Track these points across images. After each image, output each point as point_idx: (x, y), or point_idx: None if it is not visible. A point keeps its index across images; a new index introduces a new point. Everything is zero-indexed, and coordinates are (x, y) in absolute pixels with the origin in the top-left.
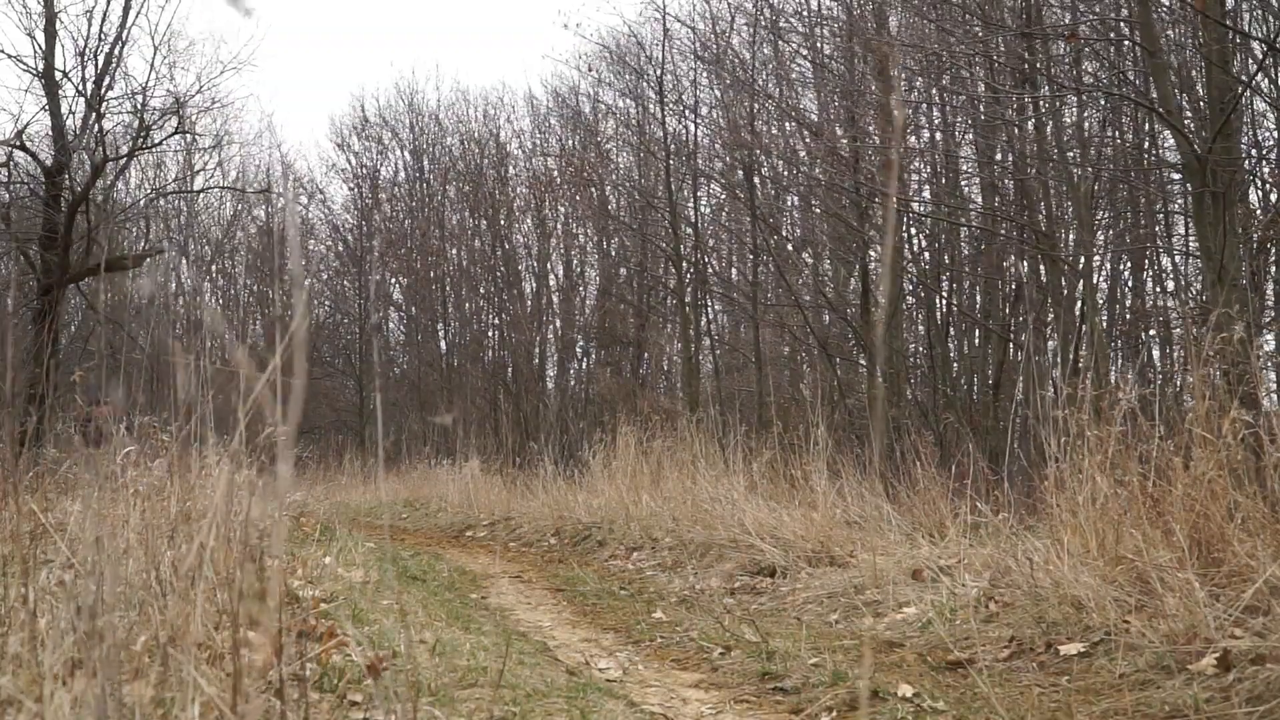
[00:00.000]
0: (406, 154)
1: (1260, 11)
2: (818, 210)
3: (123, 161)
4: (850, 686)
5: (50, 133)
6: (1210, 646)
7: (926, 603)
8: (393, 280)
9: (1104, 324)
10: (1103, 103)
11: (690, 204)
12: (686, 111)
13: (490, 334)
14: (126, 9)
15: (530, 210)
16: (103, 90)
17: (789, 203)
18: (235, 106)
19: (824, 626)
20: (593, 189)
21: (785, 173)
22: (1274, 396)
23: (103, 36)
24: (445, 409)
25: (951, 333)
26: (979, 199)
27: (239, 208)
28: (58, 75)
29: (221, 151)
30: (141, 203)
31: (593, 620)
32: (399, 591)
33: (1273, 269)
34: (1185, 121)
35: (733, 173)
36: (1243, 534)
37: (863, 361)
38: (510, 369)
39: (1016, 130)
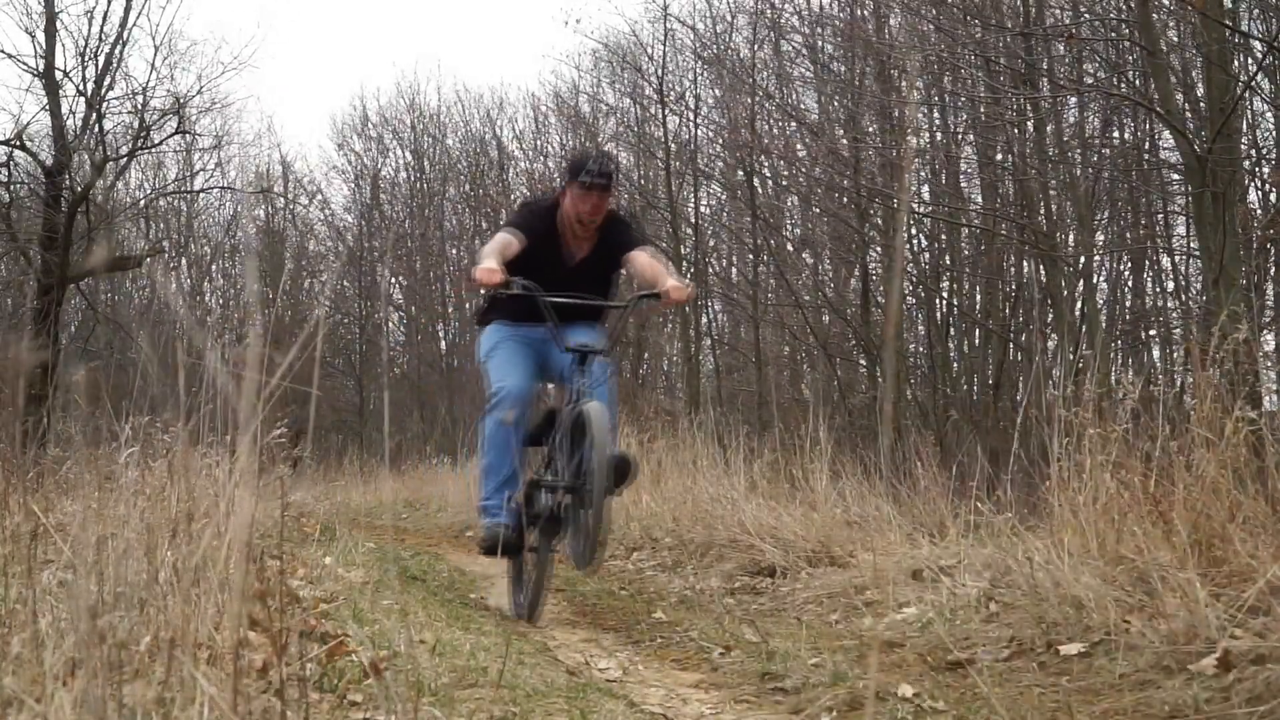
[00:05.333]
0: (407, 154)
1: (1260, 11)
2: (818, 210)
3: (123, 161)
4: (850, 687)
5: (50, 133)
6: (1211, 647)
7: (926, 603)
8: (393, 280)
9: (1104, 324)
10: (1103, 103)
11: (690, 204)
12: (687, 111)
13: None
14: (127, 9)
15: None
16: (103, 90)
17: (789, 203)
18: (236, 107)
19: (824, 626)
20: None
21: (785, 172)
22: (1274, 397)
23: (103, 36)
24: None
25: (951, 333)
26: (979, 199)
27: (239, 208)
28: (58, 75)
29: (221, 152)
30: (141, 203)
31: (593, 620)
32: (399, 592)
33: (1273, 269)
34: (1185, 121)
35: (733, 173)
36: (1244, 534)
37: (863, 361)
38: None
39: (1016, 131)
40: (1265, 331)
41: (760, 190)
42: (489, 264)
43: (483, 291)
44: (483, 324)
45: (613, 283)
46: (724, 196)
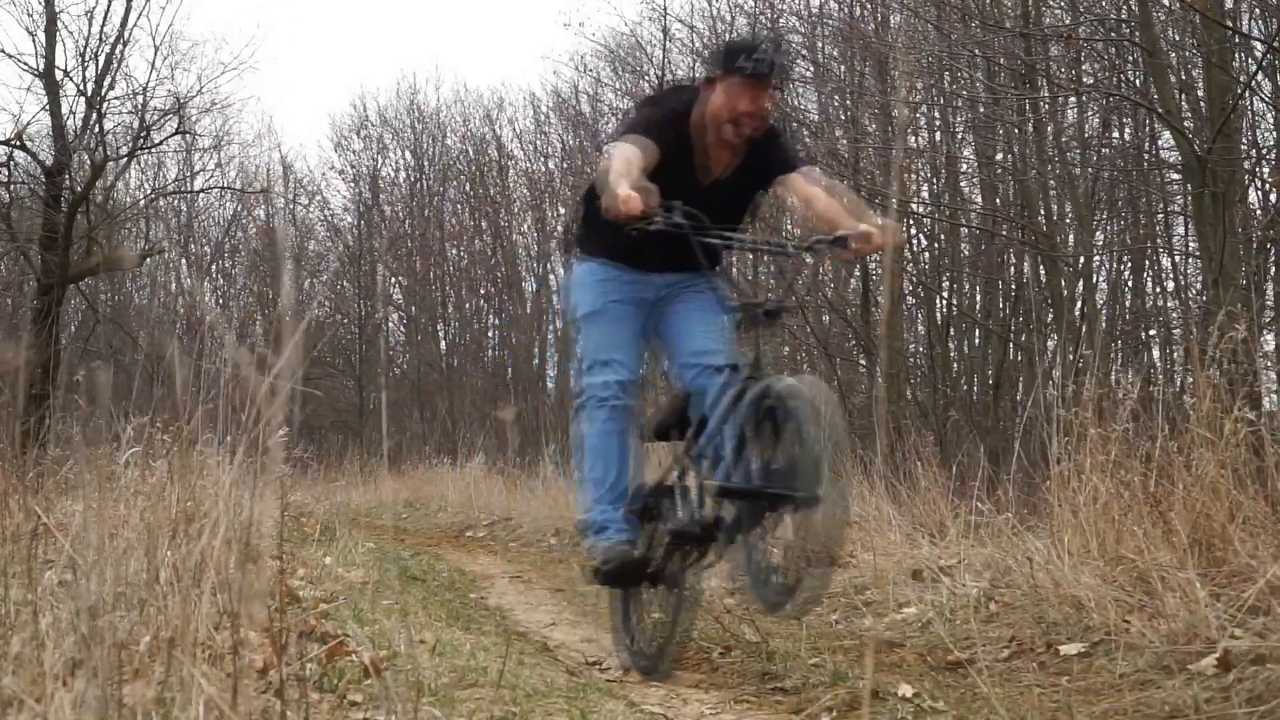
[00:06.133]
0: (407, 154)
1: (1260, 11)
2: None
3: (123, 162)
4: (850, 687)
5: (50, 133)
6: (1211, 647)
7: (926, 603)
8: (393, 280)
9: (1104, 324)
10: (1103, 103)
11: None
12: None
13: (490, 334)
14: (128, 9)
15: (530, 210)
16: (103, 90)
17: (789, 202)
18: (236, 108)
19: (824, 626)
20: None
21: None
22: (1275, 397)
23: (104, 36)
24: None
25: (951, 333)
26: (979, 199)
27: (239, 208)
28: (58, 75)
29: (221, 152)
30: (141, 203)
31: (593, 620)
32: (399, 592)
33: (1273, 269)
34: (1185, 122)
35: None
36: (1244, 534)
37: (863, 361)
38: (510, 369)
39: (1016, 131)
40: (1265, 331)
41: None
42: (625, 188)
43: (580, 215)
44: (580, 255)
45: (751, 213)
46: None
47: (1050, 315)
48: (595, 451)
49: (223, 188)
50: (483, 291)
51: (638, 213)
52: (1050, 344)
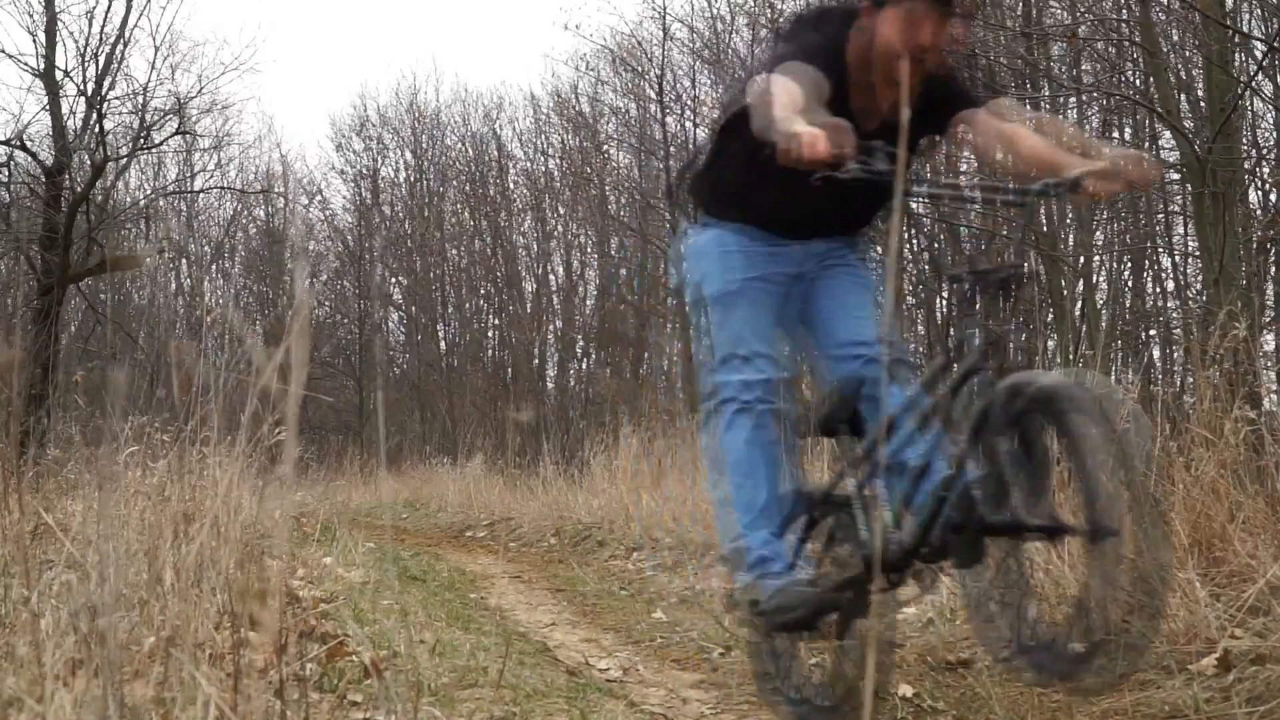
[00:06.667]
0: (407, 154)
1: (1260, 11)
2: None
3: (123, 162)
4: (850, 687)
5: (51, 133)
6: (1211, 647)
7: (926, 603)
8: (393, 280)
9: (1104, 324)
10: (1103, 103)
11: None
12: (686, 111)
13: (490, 334)
14: (128, 9)
15: (530, 210)
16: (104, 90)
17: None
18: (236, 108)
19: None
20: (592, 189)
21: None
22: (1274, 396)
23: (104, 37)
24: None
25: (951, 333)
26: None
27: (238, 208)
28: (59, 75)
29: (221, 152)
30: (141, 203)
31: (593, 620)
32: (399, 592)
33: (1273, 269)
34: (1185, 122)
35: None
36: (1244, 534)
37: None
38: (510, 369)
39: None
40: (1265, 331)
41: None
42: (803, 125)
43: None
44: (705, 218)
45: (920, 161)
46: None
47: (1050, 315)
48: (740, 467)
49: (223, 188)
50: (483, 291)
51: (826, 156)
52: (1050, 344)
